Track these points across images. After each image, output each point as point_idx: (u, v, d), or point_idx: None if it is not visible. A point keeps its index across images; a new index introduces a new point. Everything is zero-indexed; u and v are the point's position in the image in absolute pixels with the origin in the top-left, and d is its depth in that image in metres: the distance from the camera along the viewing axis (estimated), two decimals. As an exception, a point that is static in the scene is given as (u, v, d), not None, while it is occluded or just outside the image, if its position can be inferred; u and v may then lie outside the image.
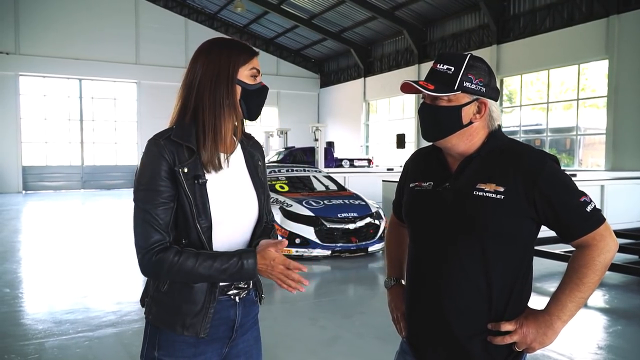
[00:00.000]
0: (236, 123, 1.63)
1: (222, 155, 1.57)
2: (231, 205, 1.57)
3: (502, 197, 1.45)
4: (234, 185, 1.60)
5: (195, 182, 1.49)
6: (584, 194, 1.46)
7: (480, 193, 1.47)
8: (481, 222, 1.47)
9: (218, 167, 1.55)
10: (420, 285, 1.60)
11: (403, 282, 1.79)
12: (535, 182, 1.44)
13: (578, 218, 1.44)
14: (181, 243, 1.51)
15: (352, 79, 24.51)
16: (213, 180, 1.54)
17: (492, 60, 16.49)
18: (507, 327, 1.47)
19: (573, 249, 1.51)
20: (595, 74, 14.53)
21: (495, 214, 1.45)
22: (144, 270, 1.49)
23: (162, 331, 1.55)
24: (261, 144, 1.80)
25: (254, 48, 1.63)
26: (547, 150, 15.62)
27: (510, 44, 16.24)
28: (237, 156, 1.65)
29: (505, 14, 16.52)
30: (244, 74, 1.57)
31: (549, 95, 15.70)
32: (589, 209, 1.45)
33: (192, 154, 1.51)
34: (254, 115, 1.63)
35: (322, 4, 20.42)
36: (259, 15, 23.03)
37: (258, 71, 1.60)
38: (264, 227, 1.69)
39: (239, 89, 1.56)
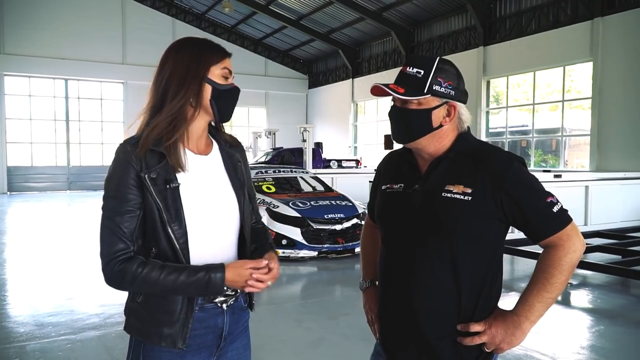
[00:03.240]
0: (212, 123, 1.59)
1: (191, 156, 1.52)
2: (208, 209, 1.51)
3: (470, 198, 1.46)
4: (211, 188, 1.54)
5: (167, 186, 1.44)
6: (550, 194, 1.48)
7: (449, 194, 1.48)
8: (449, 223, 1.48)
9: (184, 169, 1.48)
10: (391, 286, 1.61)
11: (377, 283, 1.80)
12: (502, 183, 1.45)
13: (545, 218, 1.46)
14: (151, 252, 1.46)
15: (340, 80, 24.54)
16: (187, 184, 1.48)
17: (479, 62, 16.62)
18: (476, 328, 1.49)
19: None
20: (581, 76, 14.68)
21: (463, 215, 1.46)
22: (107, 280, 1.45)
23: (146, 342, 1.50)
24: (242, 144, 1.74)
25: (227, 50, 1.57)
26: (533, 151, 15.78)
27: (496, 46, 16.36)
28: (214, 158, 1.59)
29: (491, 16, 16.64)
30: (215, 74, 1.51)
31: (534, 97, 15.83)
32: (555, 209, 1.46)
33: (162, 158, 1.46)
34: (225, 116, 1.57)
35: (310, 5, 20.43)
36: (247, 16, 23.00)
37: (230, 72, 1.55)
38: (256, 230, 1.65)
39: (209, 88, 1.50)
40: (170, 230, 1.44)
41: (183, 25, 23.33)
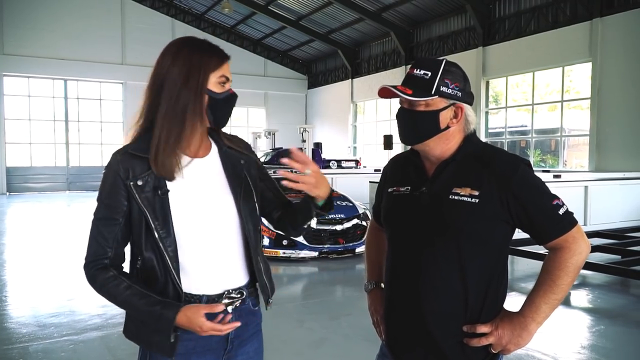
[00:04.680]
0: (208, 126, 1.54)
1: (186, 160, 1.50)
2: (199, 214, 1.48)
3: (477, 200, 1.48)
4: (203, 192, 1.51)
5: (156, 193, 1.44)
6: (556, 197, 1.50)
7: (456, 197, 1.50)
8: (456, 225, 1.49)
9: (172, 177, 1.46)
10: (398, 288, 1.62)
11: (383, 285, 1.80)
12: (509, 185, 1.47)
13: (550, 221, 1.47)
14: (137, 260, 1.49)
15: (339, 80, 24.54)
16: (177, 190, 1.47)
17: (478, 62, 16.63)
18: (482, 329, 1.50)
19: None
20: (580, 76, 14.70)
21: (471, 217, 1.48)
22: (86, 277, 1.52)
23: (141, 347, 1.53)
24: (244, 140, 1.71)
25: (225, 52, 1.53)
26: (532, 151, 15.80)
27: (495, 46, 16.37)
28: (212, 160, 1.56)
29: (490, 16, 16.65)
30: (212, 81, 1.47)
31: (534, 97, 15.85)
32: (561, 212, 1.48)
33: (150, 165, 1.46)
34: (221, 123, 1.55)
35: (309, 5, 20.43)
36: (247, 16, 22.98)
37: (227, 78, 1.50)
38: (291, 205, 1.67)
39: (206, 98, 1.47)
40: (157, 238, 1.44)
41: (182, 26, 23.30)
